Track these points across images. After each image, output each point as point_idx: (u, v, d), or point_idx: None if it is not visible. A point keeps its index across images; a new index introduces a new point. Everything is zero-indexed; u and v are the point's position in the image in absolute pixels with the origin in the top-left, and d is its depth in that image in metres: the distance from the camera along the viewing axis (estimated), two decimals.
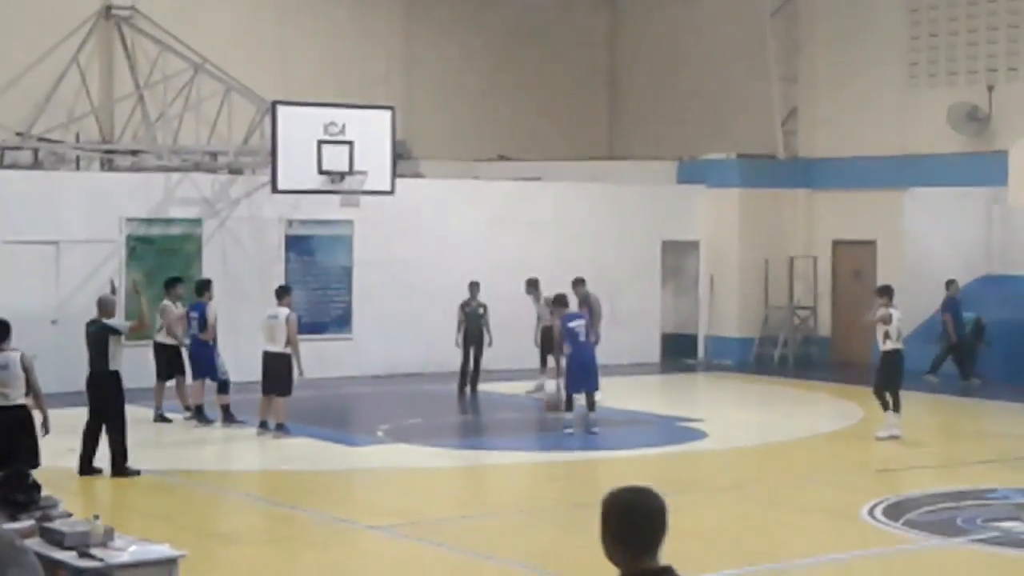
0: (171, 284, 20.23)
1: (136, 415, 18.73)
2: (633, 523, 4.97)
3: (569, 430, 19.07)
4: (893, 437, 18.78)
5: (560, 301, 20.15)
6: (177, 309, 20.06)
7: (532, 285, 23.34)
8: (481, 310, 22.91)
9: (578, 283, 22.33)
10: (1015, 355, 26.02)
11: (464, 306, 22.95)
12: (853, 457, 18.31)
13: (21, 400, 13.60)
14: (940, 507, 14.66)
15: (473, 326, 22.94)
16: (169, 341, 20.02)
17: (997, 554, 12.91)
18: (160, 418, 19.59)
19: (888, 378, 19.08)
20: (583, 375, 19.21)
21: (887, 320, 18.94)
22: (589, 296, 22.22)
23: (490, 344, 23.09)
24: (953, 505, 14.79)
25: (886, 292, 19.63)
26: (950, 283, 25.57)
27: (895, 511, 14.32)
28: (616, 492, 5.07)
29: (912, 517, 14.08)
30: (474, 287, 22.97)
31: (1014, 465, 17.25)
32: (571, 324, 19.40)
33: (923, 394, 23.90)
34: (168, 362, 20.01)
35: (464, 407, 22.40)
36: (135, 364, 20.36)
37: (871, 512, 14.30)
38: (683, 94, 31.69)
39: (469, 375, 23.10)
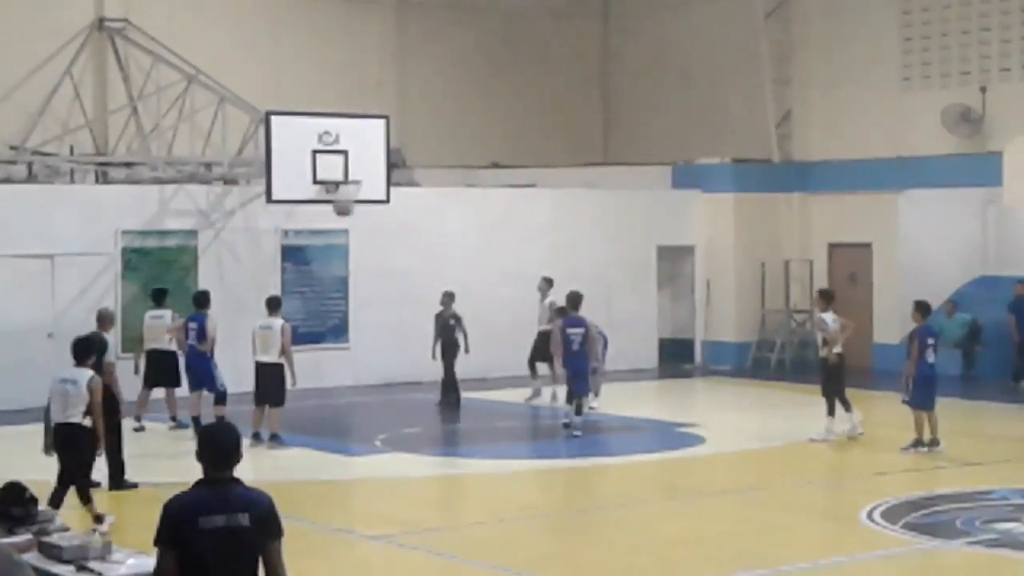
0: (157, 295, 20.33)
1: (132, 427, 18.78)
2: (209, 445, 6.72)
3: (577, 432, 19.13)
4: (828, 441, 18.93)
5: (573, 301, 19.96)
6: (175, 320, 20.07)
7: (548, 283, 23.34)
8: (453, 320, 22.23)
9: (571, 300, 20.70)
10: (1010, 356, 26.04)
11: (438, 317, 22.41)
12: (851, 460, 18.31)
13: (77, 419, 13.51)
14: (939, 509, 14.65)
15: (447, 336, 22.36)
16: (163, 347, 20.00)
17: (997, 556, 12.90)
18: (178, 425, 19.81)
19: (830, 381, 19.34)
20: (572, 380, 19.46)
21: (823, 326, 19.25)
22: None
23: (467, 351, 22.74)
24: (952, 507, 14.77)
25: (826, 296, 19.94)
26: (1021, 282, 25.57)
27: (894, 514, 14.30)
28: (205, 425, 7.03)
29: (911, 520, 14.08)
30: (448, 297, 22.41)
31: (1012, 466, 17.24)
32: (569, 330, 19.46)
33: None
34: (159, 371, 20.01)
35: (459, 416, 22.33)
36: (136, 376, 20.40)
37: (870, 515, 14.28)
38: (677, 99, 31.71)
39: (450, 386, 22.55)
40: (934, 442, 18.09)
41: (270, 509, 6.72)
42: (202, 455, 6.71)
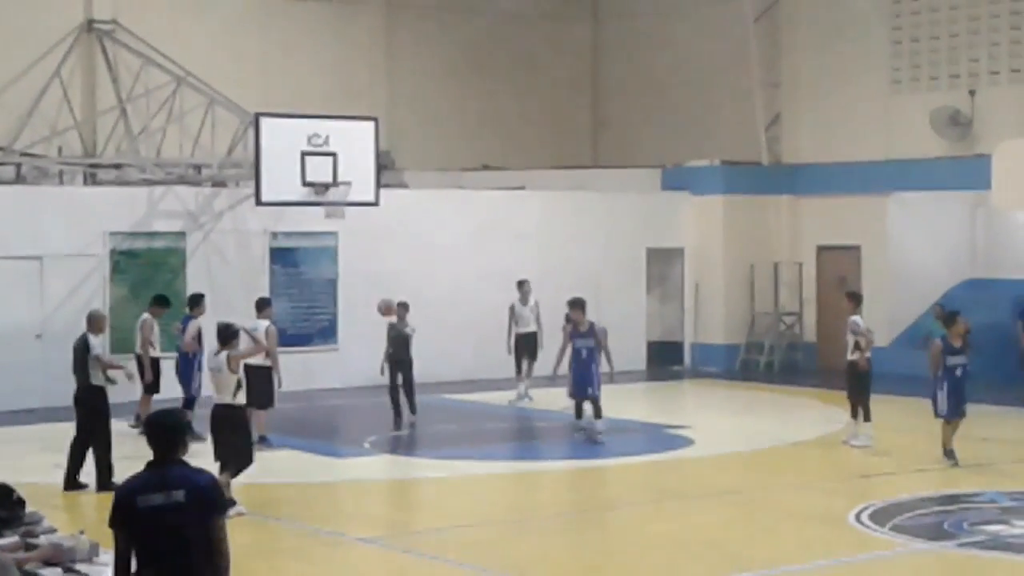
0: (156, 302, 20.19)
1: (127, 429, 18.72)
2: (152, 431, 7.16)
3: (600, 436, 19.12)
4: (867, 447, 18.86)
5: (578, 304, 19.90)
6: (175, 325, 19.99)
7: (525, 285, 23.34)
8: (408, 330, 20.87)
9: (575, 307, 20.19)
10: (999, 359, 26.06)
11: (390, 329, 21.01)
12: (840, 462, 18.31)
13: (228, 400, 14.39)
14: (927, 511, 14.68)
15: (400, 349, 20.87)
16: (152, 354, 19.93)
17: (984, 558, 12.92)
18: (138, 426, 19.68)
19: (863, 387, 19.18)
20: (576, 383, 19.51)
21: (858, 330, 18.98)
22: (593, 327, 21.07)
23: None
24: (940, 509, 14.81)
25: (855, 298, 19.81)
26: None
27: (882, 516, 14.32)
28: (152, 412, 7.42)
29: (899, 522, 14.09)
30: (402, 308, 20.99)
31: (1000, 468, 17.26)
32: (578, 344, 19.49)
33: (908, 398, 23.92)
34: (142, 374, 19.92)
35: (447, 418, 22.32)
36: (124, 378, 20.34)
37: (858, 517, 14.30)
38: (666, 101, 31.74)
39: (399, 397, 21.03)
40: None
41: (208, 486, 7.06)
42: (148, 440, 7.15)
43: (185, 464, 7.12)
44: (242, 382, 14.53)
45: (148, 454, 7.14)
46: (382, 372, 21.13)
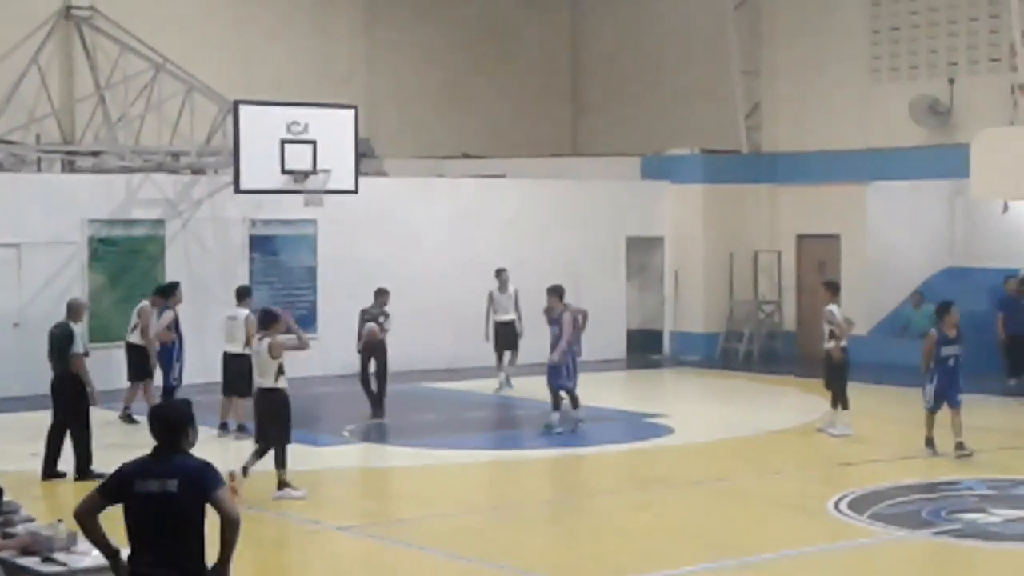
0: (161, 291, 19.97)
1: (105, 418, 18.67)
2: (155, 420, 7.51)
3: (558, 430, 19.06)
4: (846, 436, 18.89)
5: (552, 292, 19.84)
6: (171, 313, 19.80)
7: (503, 273, 23.31)
8: (382, 318, 20.82)
9: (552, 293, 20.09)
10: (977, 347, 26.12)
11: (364, 313, 20.93)
12: (819, 451, 18.35)
13: (271, 384, 14.80)
14: (905, 500, 14.72)
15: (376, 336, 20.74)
16: (139, 342, 19.85)
17: (962, 546, 12.96)
18: (127, 418, 19.56)
19: (832, 376, 19.19)
20: (553, 374, 19.35)
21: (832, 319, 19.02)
22: (568, 308, 21.10)
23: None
24: (918, 497, 14.85)
25: (832, 287, 19.80)
26: (1011, 277, 25.22)
27: (861, 504, 14.36)
28: (158, 403, 7.46)
29: (878, 510, 14.13)
30: (379, 294, 20.87)
31: (978, 456, 17.31)
32: (553, 331, 19.47)
33: (890, 387, 23.98)
34: (137, 363, 19.87)
35: (427, 407, 22.31)
36: (103, 366, 20.29)
37: (837, 505, 14.34)
38: (646, 90, 31.74)
39: (371, 384, 20.92)
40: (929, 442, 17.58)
41: (198, 468, 7.33)
42: (151, 428, 7.51)
43: (186, 454, 7.40)
44: (283, 367, 14.82)
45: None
46: (359, 351, 20.98)
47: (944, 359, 17.28)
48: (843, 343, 19.00)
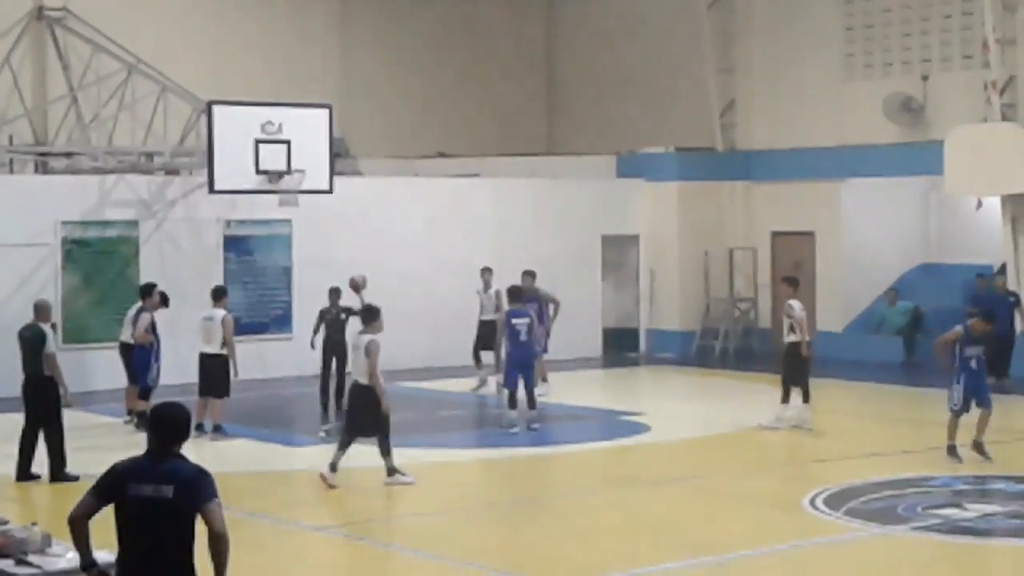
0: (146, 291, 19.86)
1: (80, 420, 18.57)
2: (154, 422, 7.35)
3: (514, 429, 19.03)
4: (775, 428, 18.94)
5: (515, 294, 19.99)
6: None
7: (488, 273, 23.30)
8: (343, 315, 20.90)
9: (526, 275, 21.96)
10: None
11: (324, 313, 21.07)
12: (794, 448, 18.40)
13: (366, 381, 15.31)
14: (881, 495, 14.75)
15: (335, 333, 20.86)
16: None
17: (938, 541, 13.00)
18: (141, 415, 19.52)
19: (794, 370, 19.18)
20: (516, 372, 19.21)
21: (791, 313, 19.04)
22: (538, 292, 22.12)
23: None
24: (894, 493, 14.88)
25: (792, 282, 19.77)
26: (980, 275, 25.14)
27: (836, 500, 14.39)
28: (157, 404, 7.51)
29: (853, 506, 14.16)
30: (334, 293, 21.11)
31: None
32: (514, 321, 19.35)
33: (861, 384, 24.05)
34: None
35: (403, 406, 22.25)
36: (77, 367, 20.21)
37: (812, 502, 14.37)
38: (621, 88, 31.76)
39: (332, 384, 21.06)
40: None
41: (194, 476, 7.18)
42: (152, 429, 7.33)
43: (181, 457, 7.29)
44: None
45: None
46: (312, 347, 21.20)
47: (967, 359, 16.52)
48: (807, 338, 19.06)
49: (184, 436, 7.36)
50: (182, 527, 7.16)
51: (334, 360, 20.79)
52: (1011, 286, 24.35)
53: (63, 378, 15.62)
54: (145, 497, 7.12)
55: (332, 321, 20.89)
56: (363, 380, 15.36)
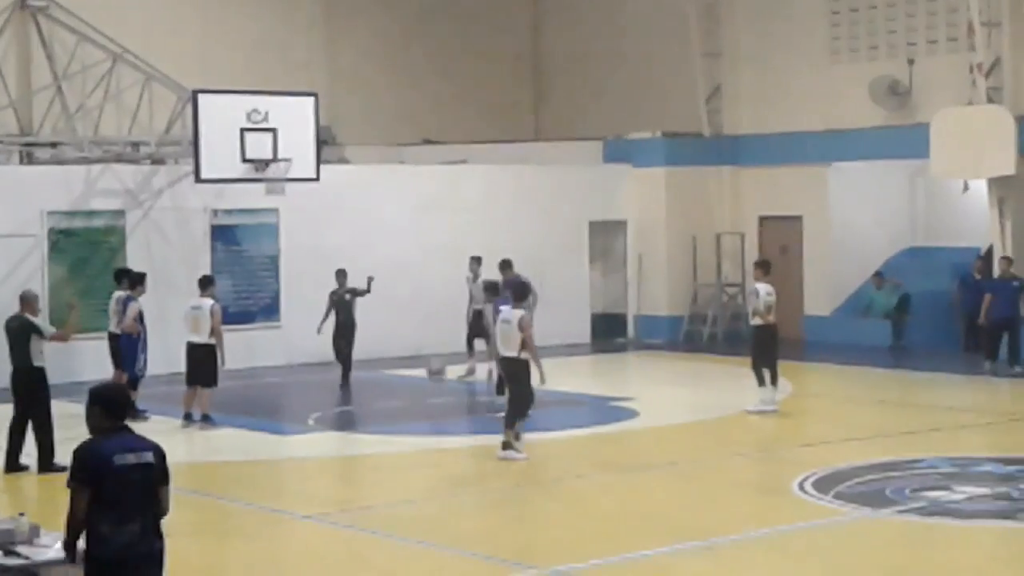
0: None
1: (67, 410, 18.50)
2: (106, 400, 7.83)
3: (501, 414, 19.01)
4: (765, 412, 18.97)
5: (492, 288, 20.14)
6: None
7: (476, 262, 23.26)
8: (348, 296, 21.97)
9: (504, 266, 22.15)
10: (939, 325, 26.30)
11: (332, 294, 22.09)
12: (783, 432, 18.43)
13: (514, 353, 15.90)
14: (869, 479, 14.78)
15: (344, 315, 22.17)
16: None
17: (926, 524, 13.03)
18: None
19: (761, 353, 19.22)
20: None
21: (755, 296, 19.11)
22: (519, 277, 22.10)
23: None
24: (882, 476, 14.91)
25: (763, 266, 19.82)
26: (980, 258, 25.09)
27: (825, 484, 14.42)
28: (97, 385, 8.03)
29: (842, 489, 14.19)
30: (341, 274, 22.20)
31: (941, 435, 17.41)
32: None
33: (849, 367, 24.10)
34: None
35: (392, 394, 22.28)
36: (63, 358, 20.16)
37: (801, 486, 14.39)
38: (607, 74, 31.73)
39: (348, 365, 22.27)
40: None
41: (164, 454, 7.92)
42: (107, 408, 7.80)
43: (131, 430, 7.88)
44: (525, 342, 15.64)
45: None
46: (319, 332, 22.33)
47: None
48: (762, 321, 19.07)
49: (127, 409, 8.00)
50: (158, 488, 7.82)
51: (343, 340, 21.78)
52: (997, 270, 24.30)
53: (63, 334, 16.26)
54: (132, 464, 7.68)
55: (339, 301, 21.30)
56: (511, 353, 15.77)
